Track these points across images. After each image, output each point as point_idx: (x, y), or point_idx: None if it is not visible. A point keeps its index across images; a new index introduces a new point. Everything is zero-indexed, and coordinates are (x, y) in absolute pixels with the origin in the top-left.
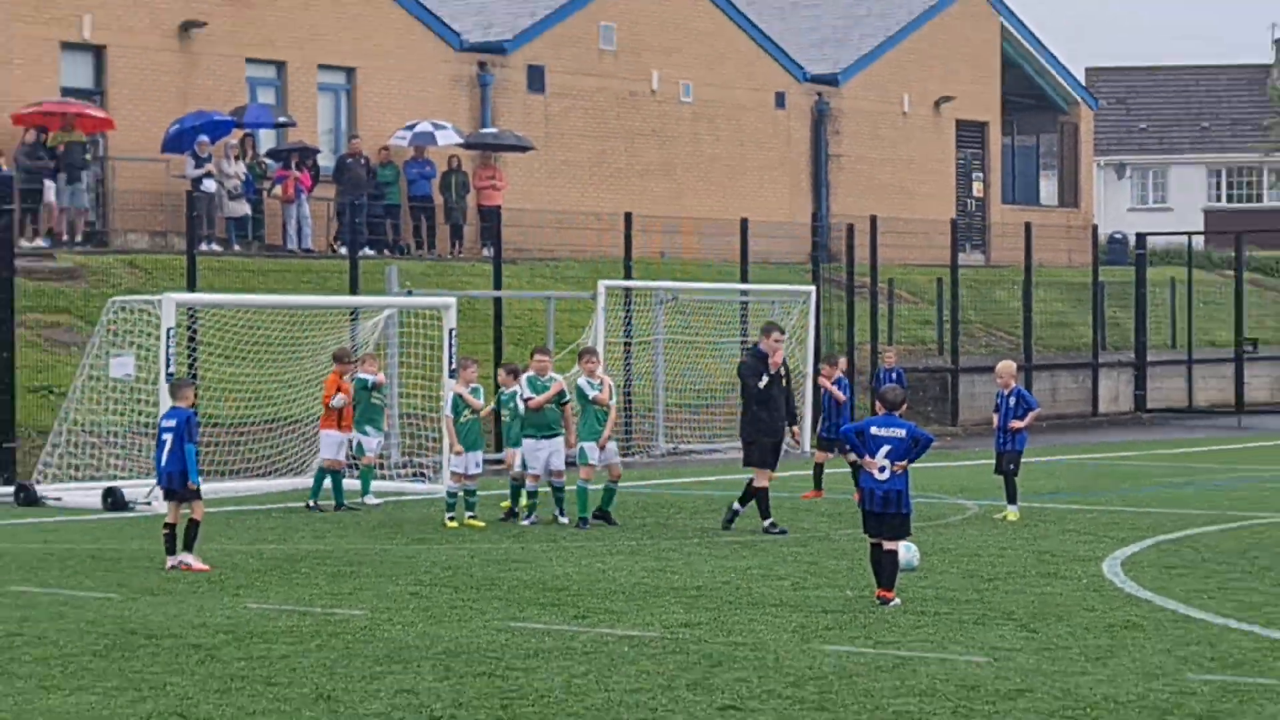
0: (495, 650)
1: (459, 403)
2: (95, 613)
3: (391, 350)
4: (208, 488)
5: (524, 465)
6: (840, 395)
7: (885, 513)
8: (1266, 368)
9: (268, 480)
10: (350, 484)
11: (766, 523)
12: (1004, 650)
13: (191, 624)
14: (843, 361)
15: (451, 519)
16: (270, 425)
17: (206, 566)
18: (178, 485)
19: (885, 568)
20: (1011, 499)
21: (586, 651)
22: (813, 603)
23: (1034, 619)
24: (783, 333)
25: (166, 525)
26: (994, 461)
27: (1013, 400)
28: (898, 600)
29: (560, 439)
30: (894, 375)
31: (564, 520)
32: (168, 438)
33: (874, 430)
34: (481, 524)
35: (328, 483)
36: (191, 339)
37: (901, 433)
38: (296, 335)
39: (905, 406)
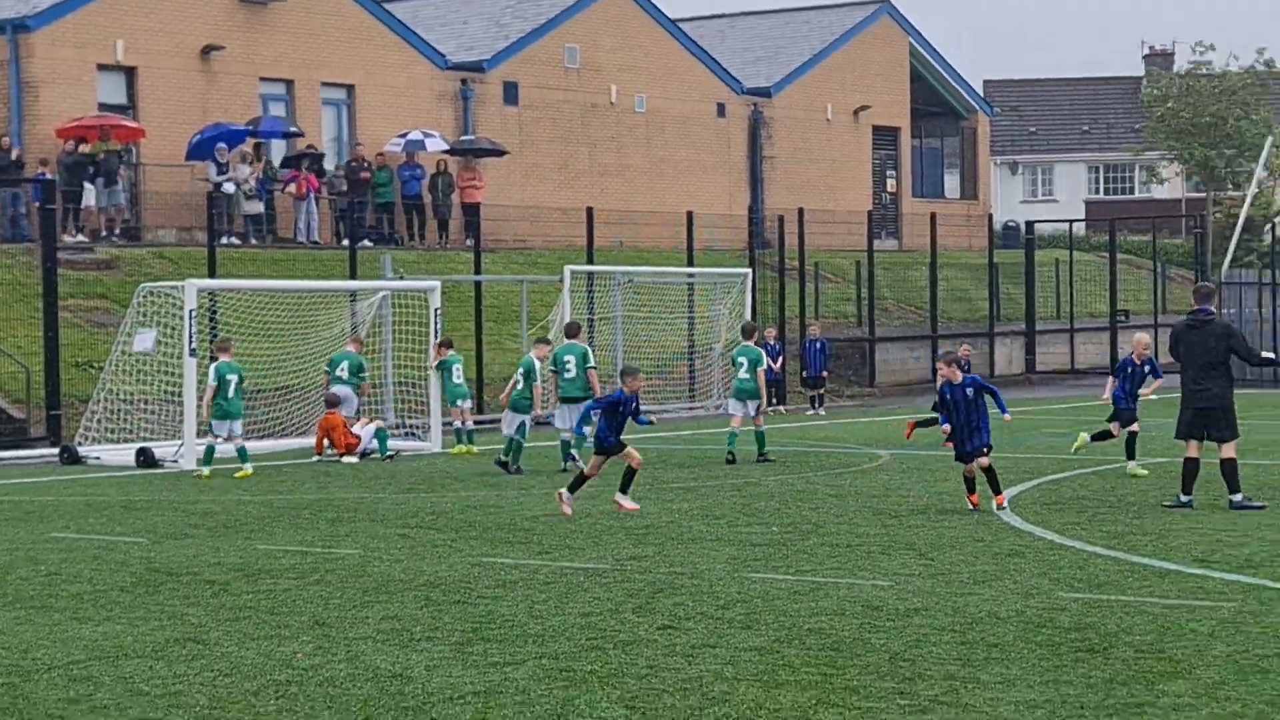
0: (469, 582)
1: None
2: (125, 554)
3: (385, 327)
4: (224, 448)
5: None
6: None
7: None
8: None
9: (277, 440)
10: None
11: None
12: (904, 575)
13: (208, 563)
14: (771, 330)
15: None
16: (281, 393)
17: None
18: None
19: None
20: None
21: (547, 582)
22: (744, 538)
23: (931, 549)
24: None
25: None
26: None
27: (1146, 369)
28: None
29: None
30: (819, 345)
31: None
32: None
33: None
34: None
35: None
36: (212, 319)
37: None
38: (304, 316)
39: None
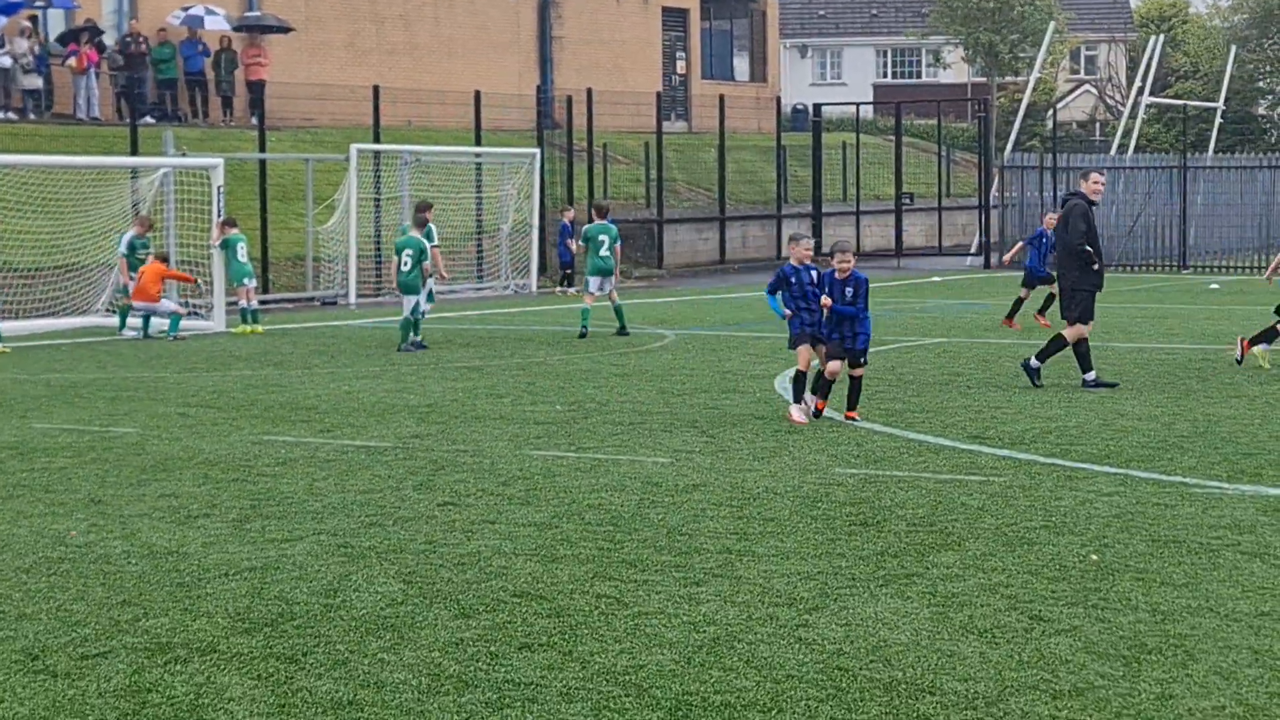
0: (249, 460)
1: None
2: None
3: (168, 205)
4: (6, 326)
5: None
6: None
7: None
8: (921, 217)
9: (57, 319)
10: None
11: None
12: (685, 452)
13: None
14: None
15: None
16: (60, 271)
17: None
18: None
19: None
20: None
21: (329, 460)
22: (527, 416)
23: (713, 426)
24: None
25: None
26: None
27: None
28: None
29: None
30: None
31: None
32: None
33: None
34: None
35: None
36: None
37: None
38: (84, 192)
39: None
